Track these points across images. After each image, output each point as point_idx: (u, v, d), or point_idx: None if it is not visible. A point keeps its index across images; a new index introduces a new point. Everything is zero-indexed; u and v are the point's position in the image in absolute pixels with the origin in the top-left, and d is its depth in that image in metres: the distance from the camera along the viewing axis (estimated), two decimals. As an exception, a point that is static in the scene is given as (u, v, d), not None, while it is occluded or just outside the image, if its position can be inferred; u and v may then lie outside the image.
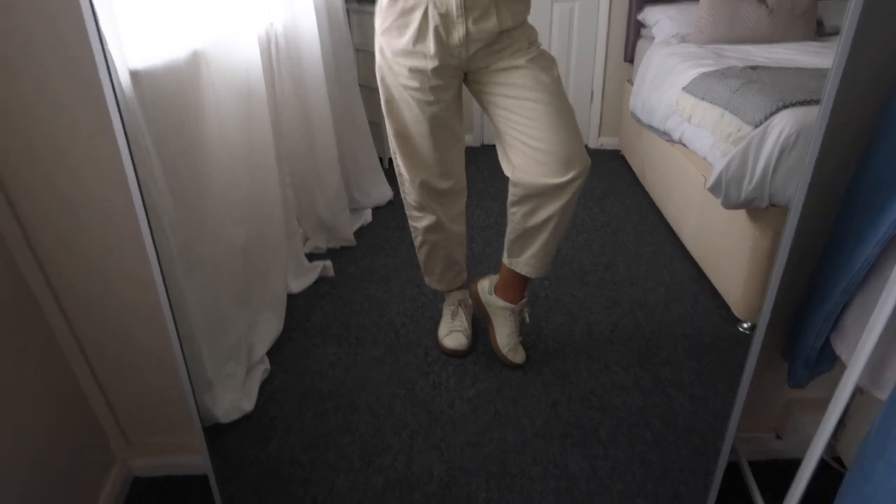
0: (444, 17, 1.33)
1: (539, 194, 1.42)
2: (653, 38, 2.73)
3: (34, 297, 1.25)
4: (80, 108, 1.10)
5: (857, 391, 1.06)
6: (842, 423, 1.33)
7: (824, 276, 1.09)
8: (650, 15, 2.78)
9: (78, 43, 1.03)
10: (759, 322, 1.09)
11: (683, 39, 2.57)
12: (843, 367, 1.04)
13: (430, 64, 1.37)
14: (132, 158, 0.99)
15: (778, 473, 1.47)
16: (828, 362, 1.18)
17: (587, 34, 3.01)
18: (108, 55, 0.95)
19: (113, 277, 1.27)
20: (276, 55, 1.95)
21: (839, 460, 1.40)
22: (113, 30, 1.01)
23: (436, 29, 1.34)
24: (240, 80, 1.58)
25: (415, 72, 1.39)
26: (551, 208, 1.42)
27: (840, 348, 1.09)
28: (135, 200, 1.02)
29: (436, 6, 1.32)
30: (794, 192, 0.96)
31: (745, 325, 1.82)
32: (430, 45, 1.35)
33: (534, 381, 1.66)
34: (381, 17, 1.41)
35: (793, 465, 1.16)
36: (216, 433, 1.50)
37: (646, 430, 1.51)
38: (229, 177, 1.54)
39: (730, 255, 1.85)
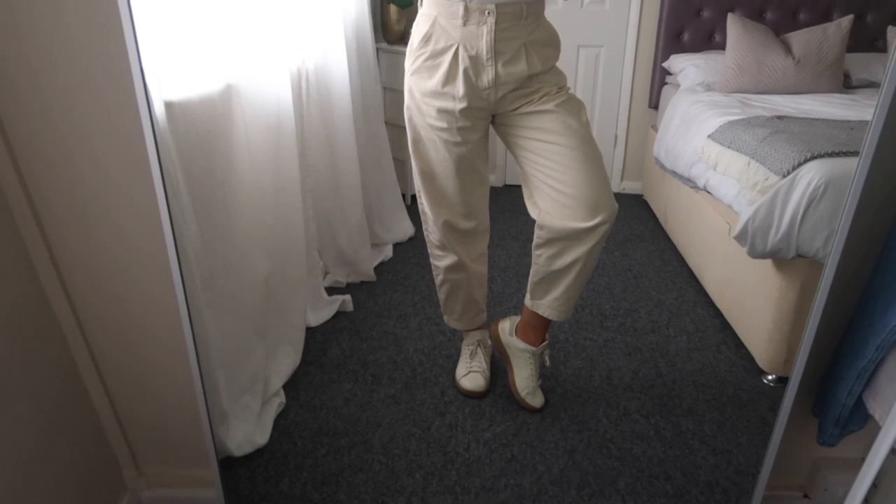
0: (474, 60, 1.34)
1: (565, 238, 1.41)
2: (678, 86, 2.75)
3: (58, 322, 1.25)
4: (114, 139, 1.11)
5: (891, 452, 1.03)
6: (873, 484, 1.28)
7: (858, 332, 1.07)
8: (676, 63, 2.81)
9: (118, 71, 1.04)
10: (791, 378, 1.06)
11: (709, 87, 2.58)
12: (875, 426, 1.01)
13: (459, 105, 1.38)
14: (165, 189, 1.00)
15: (804, 534, 1.42)
16: (859, 421, 1.14)
17: (612, 80, 3.05)
18: (146, 86, 0.97)
19: (136, 305, 1.28)
20: (306, 91, 1.99)
21: (869, 523, 1.35)
22: (149, 61, 1.03)
23: (465, 71, 1.35)
24: (270, 115, 1.60)
25: (443, 113, 1.40)
26: (577, 252, 1.41)
27: (873, 407, 1.05)
28: (165, 230, 1.03)
29: (466, 48, 1.34)
30: (832, 244, 0.95)
31: (770, 378, 1.79)
32: (460, 86, 1.37)
33: (551, 427, 1.63)
34: (412, 57, 1.43)
35: (821, 527, 1.12)
36: (228, 466, 1.48)
37: (666, 482, 1.46)
38: (256, 209, 1.56)
39: (754, 305, 1.82)
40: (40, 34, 1.03)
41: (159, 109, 1.12)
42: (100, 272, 1.23)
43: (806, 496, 1.43)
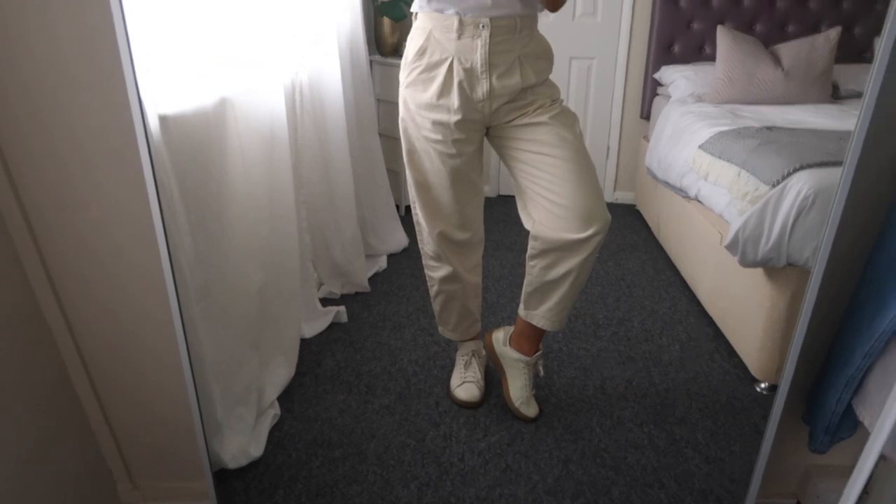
0: (469, 73, 1.36)
1: (559, 249, 1.42)
2: (669, 97, 2.77)
3: (51, 334, 1.25)
4: (107, 151, 1.12)
5: (881, 459, 1.04)
6: (865, 490, 1.29)
7: (846, 339, 1.08)
8: (666, 74, 2.84)
9: (111, 83, 1.05)
10: (780, 387, 1.07)
11: (700, 99, 2.61)
12: (865, 433, 1.02)
13: (454, 118, 1.40)
14: (159, 201, 1.00)
15: (797, 542, 1.43)
16: (850, 428, 1.15)
17: (604, 91, 3.07)
18: (140, 100, 0.98)
19: (130, 317, 1.28)
20: (300, 103, 2.00)
21: (861, 530, 1.36)
22: (144, 74, 1.04)
23: (460, 83, 1.37)
24: (264, 127, 1.61)
25: (438, 125, 1.42)
26: (570, 263, 1.42)
27: (863, 414, 1.06)
28: (158, 241, 1.03)
29: (461, 61, 1.35)
30: (817, 253, 0.96)
31: (763, 386, 1.80)
32: (454, 99, 1.38)
33: (546, 436, 1.63)
34: (406, 70, 1.44)
35: (814, 535, 1.13)
36: (222, 478, 1.48)
37: (660, 490, 1.47)
38: (250, 222, 1.56)
39: (746, 313, 1.84)
40: (31, 41, 1.04)
41: (154, 122, 1.13)
42: (92, 283, 1.24)
43: (798, 503, 1.44)
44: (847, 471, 1.04)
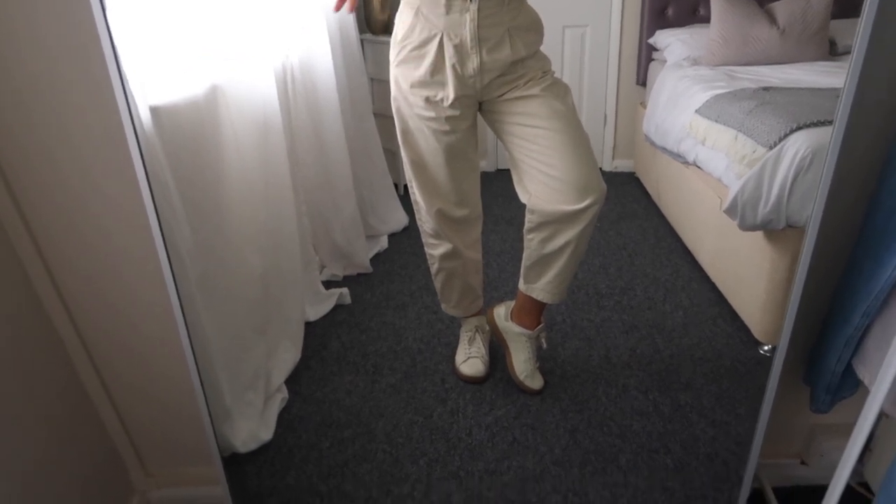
0: (459, 48, 1.35)
1: (556, 221, 1.42)
2: (665, 62, 2.73)
3: (57, 332, 1.26)
4: (100, 146, 1.12)
5: (883, 416, 1.04)
6: (867, 448, 1.30)
7: (844, 299, 1.08)
8: (661, 38, 2.79)
9: (99, 81, 1.05)
10: (779, 346, 1.08)
11: (695, 62, 2.57)
12: (867, 392, 1.03)
13: (446, 94, 1.39)
14: (151, 193, 1.01)
15: (803, 500, 1.44)
16: (850, 387, 1.16)
17: (599, 58, 3.03)
18: (128, 92, 0.97)
19: (133, 310, 1.29)
20: (291, 87, 1.98)
21: (866, 486, 1.38)
22: (132, 67, 1.04)
23: (451, 59, 1.36)
24: (257, 113, 1.61)
25: (430, 102, 1.41)
26: (568, 234, 1.42)
27: (863, 372, 1.07)
28: (154, 233, 1.04)
29: (450, 37, 1.34)
30: (811, 213, 0.96)
31: (766, 348, 1.80)
32: (446, 75, 1.37)
33: (552, 408, 1.65)
34: (396, 49, 1.43)
35: (818, 492, 1.14)
36: (234, 463, 1.50)
37: (667, 456, 1.49)
38: (247, 208, 1.56)
39: (748, 277, 1.83)
40: (18, 45, 1.03)
41: (144, 114, 1.12)
42: (94, 279, 1.25)
43: (803, 463, 1.46)
44: (851, 429, 1.05)
